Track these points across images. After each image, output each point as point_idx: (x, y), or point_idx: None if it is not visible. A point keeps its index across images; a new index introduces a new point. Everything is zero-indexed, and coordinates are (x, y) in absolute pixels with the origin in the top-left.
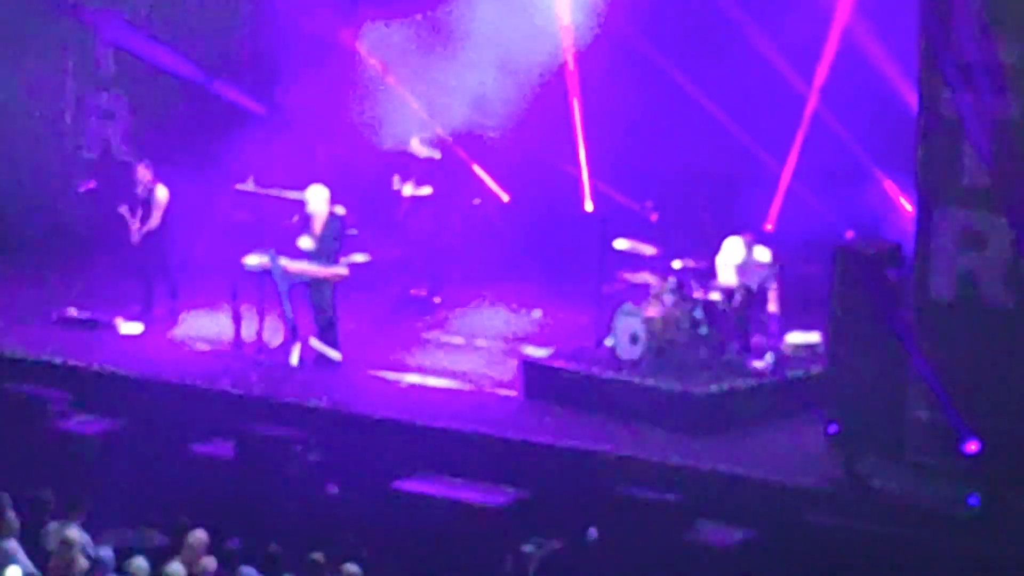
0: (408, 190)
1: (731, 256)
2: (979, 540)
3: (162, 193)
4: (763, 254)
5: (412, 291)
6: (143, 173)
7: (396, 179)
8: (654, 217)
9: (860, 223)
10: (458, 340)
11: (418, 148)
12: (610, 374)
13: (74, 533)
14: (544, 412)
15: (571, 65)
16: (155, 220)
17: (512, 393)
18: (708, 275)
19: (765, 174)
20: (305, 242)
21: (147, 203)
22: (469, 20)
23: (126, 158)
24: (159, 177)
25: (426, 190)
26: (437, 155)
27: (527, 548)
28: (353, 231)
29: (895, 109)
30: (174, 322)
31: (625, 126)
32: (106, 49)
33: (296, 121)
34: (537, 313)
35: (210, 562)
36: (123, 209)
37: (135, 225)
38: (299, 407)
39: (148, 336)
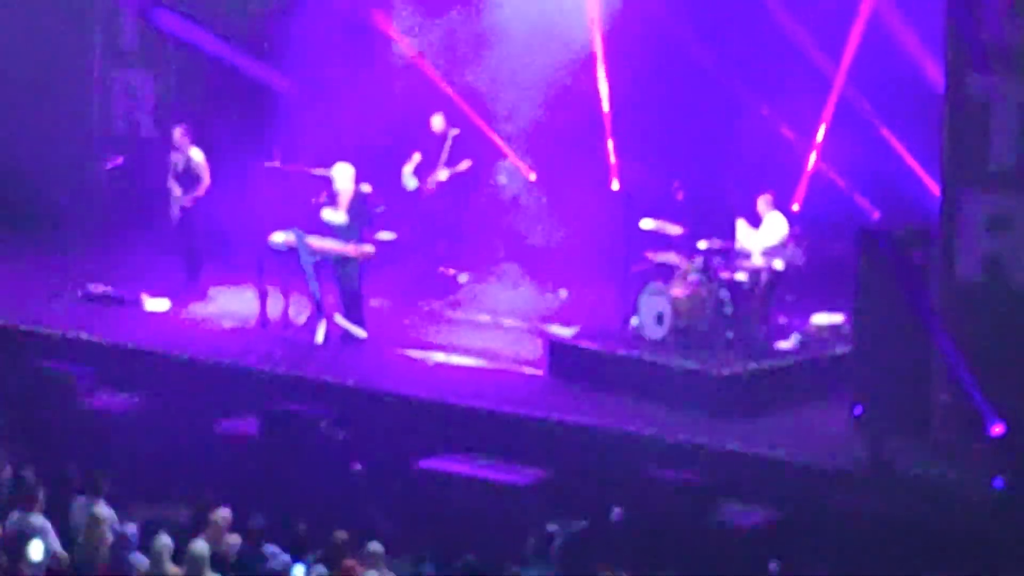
0: (444, 174)
1: (776, 230)
2: (1004, 523)
3: (200, 156)
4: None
5: (439, 269)
6: (180, 137)
7: (412, 162)
8: (680, 196)
9: (887, 204)
10: (484, 318)
11: (440, 125)
12: (635, 354)
13: (102, 509)
14: (569, 391)
15: (599, 44)
16: (205, 184)
17: (537, 372)
18: (734, 255)
19: (792, 155)
20: (330, 215)
21: (188, 171)
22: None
23: (152, 135)
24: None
25: (464, 164)
26: (456, 132)
27: (551, 527)
28: (380, 208)
29: (922, 90)
30: (202, 298)
31: (653, 105)
32: (131, 26)
33: (323, 99)
34: (563, 292)
35: (234, 539)
36: (171, 183)
37: (177, 193)
38: (324, 385)
39: (174, 313)
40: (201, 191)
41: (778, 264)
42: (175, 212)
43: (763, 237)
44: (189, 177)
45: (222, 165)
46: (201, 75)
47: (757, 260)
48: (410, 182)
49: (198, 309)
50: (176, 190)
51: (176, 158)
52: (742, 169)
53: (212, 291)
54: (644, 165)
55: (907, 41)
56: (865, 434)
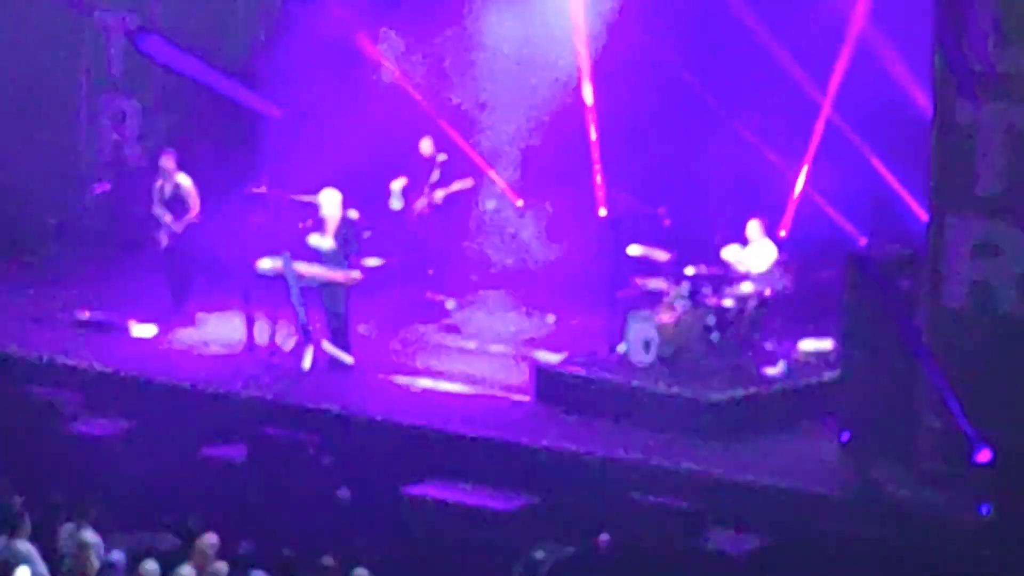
0: (439, 195)
1: (765, 256)
2: (990, 549)
3: (188, 181)
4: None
5: (426, 295)
6: (167, 163)
7: (400, 181)
8: (667, 222)
9: (874, 230)
10: (471, 344)
11: (428, 149)
12: (622, 380)
13: (89, 536)
14: (556, 417)
15: (586, 70)
16: (195, 209)
17: (524, 398)
18: (721, 281)
19: (780, 181)
20: (317, 240)
21: (177, 197)
22: (485, 25)
23: (138, 161)
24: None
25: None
26: (444, 157)
27: (538, 554)
28: (367, 234)
29: (910, 116)
30: (190, 323)
31: (640, 132)
32: (118, 53)
33: (310, 125)
34: (550, 318)
35: (221, 566)
36: (158, 209)
37: (168, 219)
38: (311, 411)
39: (161, 338)
40: (192, 216)
41: (766, 290)
42: (163, 238)
43: (751, 263)
44: (178, 203)
45: (209, 191)
46: (187, 101)
47: (745, 286)
48: (396, 202)
49: (186, 335)
50: (166, 216)
51: (162, 184)
52: (730, 195)
53: (200, 316)
54: (631, 191)
55: (895, 67)
56: (852, 460)
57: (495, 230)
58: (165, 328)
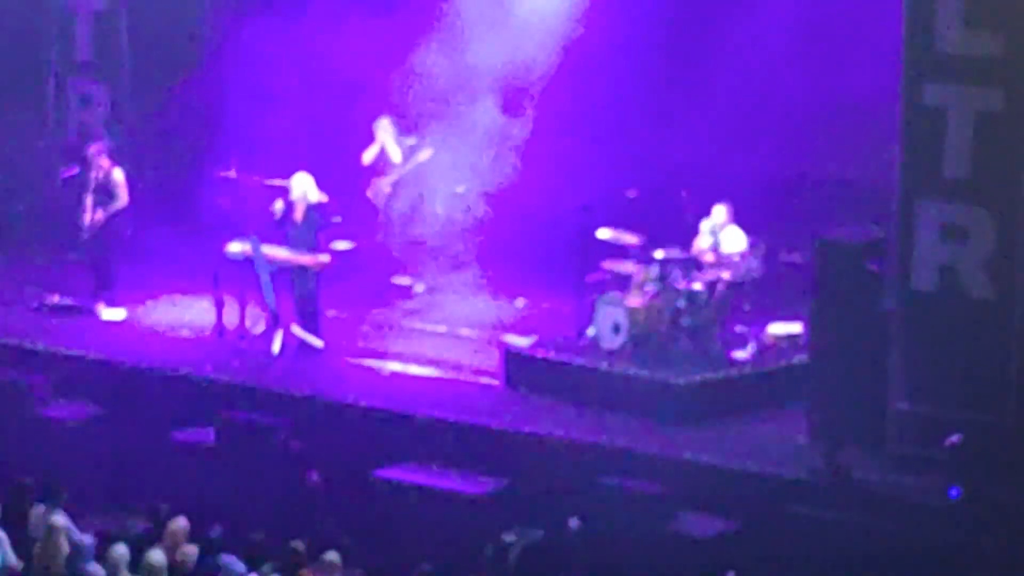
0: (399, 157)
1: (734, 241)
2: (959, 531)
3: (120, 175)
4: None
5: (394, 279)
6: (96, 154)
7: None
8: (633, 193)
9: (843, 213)
10: (440, 328)
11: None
12: (592, 364)
13: (60, 519)
14: (525, 401)
15: (560, 53)
16: (122, 200)
17: (494, 382)
18: (691, 264)
19: (750, 165)
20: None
21: (105, 187)
22: (455, 7)
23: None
24: (117, 160)
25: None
26: (413, 141)
27: (508, 537)
28: (337, 219)
29: (880, 99)
30: (112, 304)
31: (611, 113)
32: (86, 36)
33: (279, 108)
34: (520, 302)
35: (191, 549)
36: (88, 197)
37: (89, 211)
38: (281, 394)
39: (130, 322)
40: (117, 207)
41: (735, 275)
42: (87, 226)
43: (721, 247)
44: (106, 193)
45: (178, 175)
46: (156, 84)
47: (714, 270)
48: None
49: (112, 315)
50: (89, 207)
51: (95, 173)
52: (700, 178)
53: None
54: (602, 174)
55: (862, 52)
56: (822, 443)
57: (464, 213)
58: (90, 310)
